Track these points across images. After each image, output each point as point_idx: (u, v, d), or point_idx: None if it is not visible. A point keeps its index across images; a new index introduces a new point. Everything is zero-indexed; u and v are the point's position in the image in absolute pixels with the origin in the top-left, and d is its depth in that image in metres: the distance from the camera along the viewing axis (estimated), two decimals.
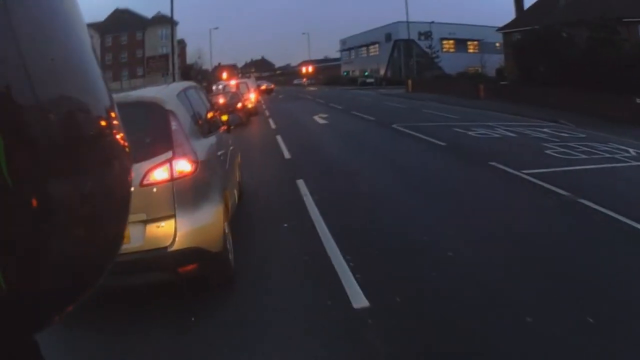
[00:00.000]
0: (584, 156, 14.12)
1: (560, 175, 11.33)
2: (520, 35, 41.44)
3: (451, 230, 7.60)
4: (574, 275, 5.89)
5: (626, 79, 27.01)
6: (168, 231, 4.85)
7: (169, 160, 4.96)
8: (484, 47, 74.28)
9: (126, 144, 0.80)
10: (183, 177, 5.01)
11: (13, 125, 0.60)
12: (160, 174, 4.91)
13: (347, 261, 6.27)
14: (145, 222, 4.78)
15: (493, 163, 12.48)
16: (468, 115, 26.94)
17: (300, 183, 10.65)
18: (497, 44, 61.18)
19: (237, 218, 7.39)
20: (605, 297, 5.33)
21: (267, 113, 30.69)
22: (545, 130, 20.31)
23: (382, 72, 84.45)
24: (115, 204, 0.77)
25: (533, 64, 35.69)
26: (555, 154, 14.25)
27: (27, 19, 0.64)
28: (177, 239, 4.86)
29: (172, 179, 4.93)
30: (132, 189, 0.85)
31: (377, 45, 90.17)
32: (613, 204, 8.83)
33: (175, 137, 5.13)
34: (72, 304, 0.72)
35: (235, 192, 7.80)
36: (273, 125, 23.30)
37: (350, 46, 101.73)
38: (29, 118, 0.62)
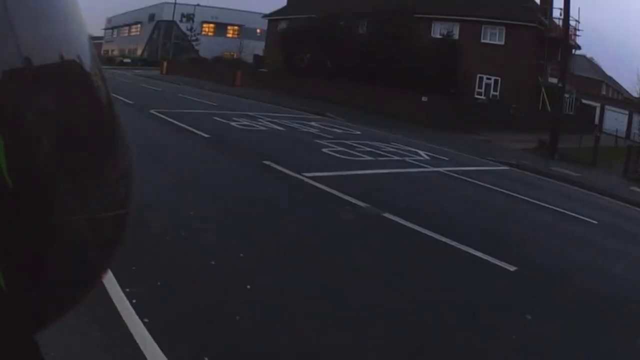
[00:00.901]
0: (368, 157, 13.14)
1: (349, 181, 10.02)
2: (287, 23, 40.53)
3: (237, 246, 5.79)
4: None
5: (412, 76, 27.00)
6: None
7: None
8: (245, 32, 73.81)
9: (120, 121, 0.78)
10: None
11: (13, 126, 0.60)
12: None
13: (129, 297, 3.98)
14: None
15: (267, 162, 10.73)
16: (227, 102, 25.43)
17: None
18: (258, 30, 60.63)
19: None
20: None
21: None
22: (314, 124, 19.37)
23: (140, 52, 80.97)
24: (115, 199, 0.76)
25: (298, 53, 34.72)
26: (333, 153, 13.05)
27: (27, 18, 0.64)
28: None
29: None
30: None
31: (139, 25, 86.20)
32: (422, 218, 7.87)
33: None
34: (72, 304, 0.72)
35: None
36: None
37: (114, 25, 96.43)
38: (28, 118, 0.62)
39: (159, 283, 4.70)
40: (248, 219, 7.23)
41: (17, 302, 0.62)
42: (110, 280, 4.33)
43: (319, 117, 22.61)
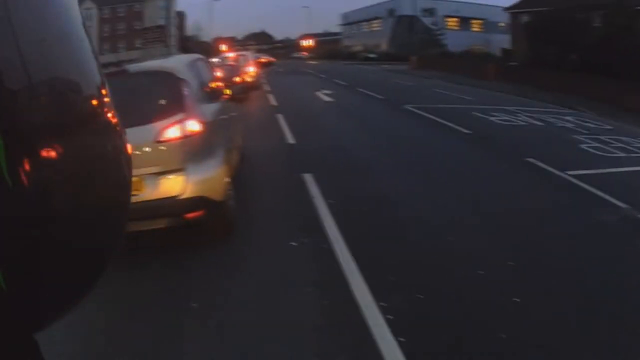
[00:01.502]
0: (621, 154, 12.31)
1: (608, 179, 9.54)
2: (531, 16, 39.51)
3: (510, 263, 5.73)
4: None
5: None
6: (178, 182, 5.48)
7: (181, 121, 5.56)
8: (488, 26, 72.85)
9: (117, 121, 0.79)
10: (192, 135, 5.60)
11: (13, 126, 0.60)
12: (172, 132, 5.49)
13: (384, 312, 4.49)
14: (159, 174, 5.40)
15: (531, 159, 10.70)
16: (481, 97, 25.06)
17: (308, 179, 8.81)
18: (502, 24, 59.49)
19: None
20: None
21: (266, 88, 28.15)
22: (568, 118, 18.55)
23: (383, 47, 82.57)
24: (114, 201, 0.77)
25: (544, 46, 33.79)
26: (591, 150, 12.49)
27: (28, 19, 0.64)
28: (186, 188, 5.49)
29: (183, 137, 5.52)
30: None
31: (379, 21, 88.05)
32: None
33: (186, 101, 5.81)
34: (72, 304, 0.72)
35: (237, 153, 8.22)
36: (273, 102, 21.02)
37: (351, 20, 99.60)
38: (28, 118, 0.62)
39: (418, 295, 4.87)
40: (516, 223, 7.09)
41: (17, 302, 0.62)
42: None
43: (569, 111, 21.53)
